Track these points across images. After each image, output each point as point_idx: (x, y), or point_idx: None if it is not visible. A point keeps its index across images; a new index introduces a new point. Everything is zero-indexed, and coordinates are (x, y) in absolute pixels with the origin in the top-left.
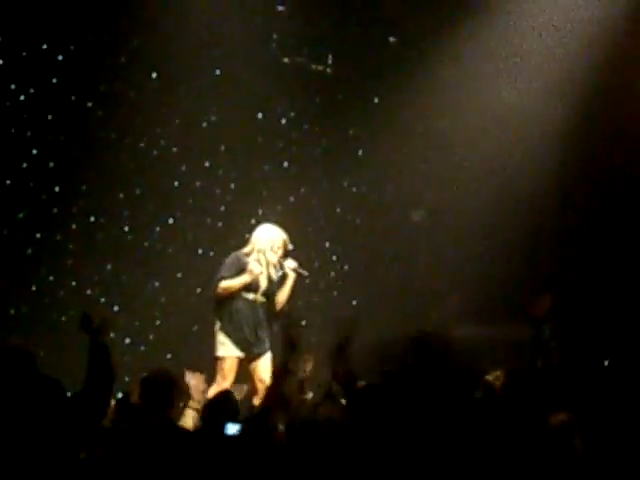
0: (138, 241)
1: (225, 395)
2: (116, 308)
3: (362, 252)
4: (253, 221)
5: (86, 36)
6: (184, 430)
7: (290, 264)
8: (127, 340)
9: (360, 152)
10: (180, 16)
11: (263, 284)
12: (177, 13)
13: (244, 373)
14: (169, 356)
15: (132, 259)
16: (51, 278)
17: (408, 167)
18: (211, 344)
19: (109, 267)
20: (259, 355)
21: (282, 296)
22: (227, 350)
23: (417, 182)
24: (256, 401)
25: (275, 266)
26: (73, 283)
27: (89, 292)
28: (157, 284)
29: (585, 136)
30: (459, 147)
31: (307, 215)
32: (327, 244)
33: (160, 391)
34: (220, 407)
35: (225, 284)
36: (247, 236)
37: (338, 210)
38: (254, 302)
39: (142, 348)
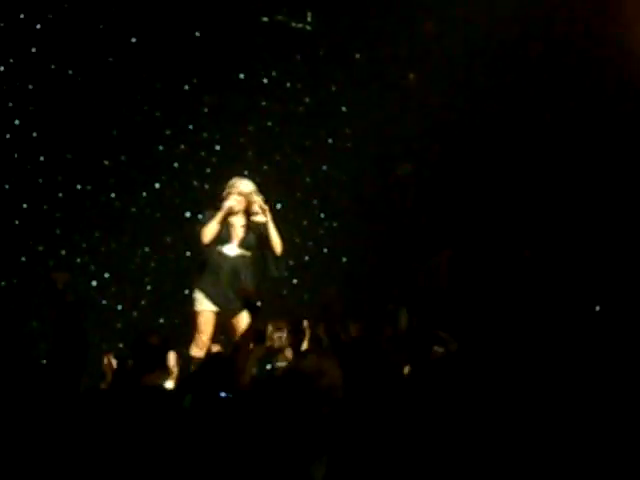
0: (125, 207)
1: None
2: (106, 275)
3: (350, 208)
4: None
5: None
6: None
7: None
8: (119, 306)
9: (343, 108)
10: None
11: (239, 233)
12: None
13: (223, 329)
14: (161, 320)
15: (120, 225)
16: (40, 248)
17: (391, 121)
18: None
19: (97, 235)
20: (236, 311)
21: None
22: (201, 304)
23: (402, 136)
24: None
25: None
26: (62, 252)
27: (78, 260)
28: (146, 249)
29: None
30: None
31: (293, 173)
32: (315, 202)
33: (152, 353)
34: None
35: (205, 228)
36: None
37: (324, 167)
38: (232, 257)
39: (134, 314)
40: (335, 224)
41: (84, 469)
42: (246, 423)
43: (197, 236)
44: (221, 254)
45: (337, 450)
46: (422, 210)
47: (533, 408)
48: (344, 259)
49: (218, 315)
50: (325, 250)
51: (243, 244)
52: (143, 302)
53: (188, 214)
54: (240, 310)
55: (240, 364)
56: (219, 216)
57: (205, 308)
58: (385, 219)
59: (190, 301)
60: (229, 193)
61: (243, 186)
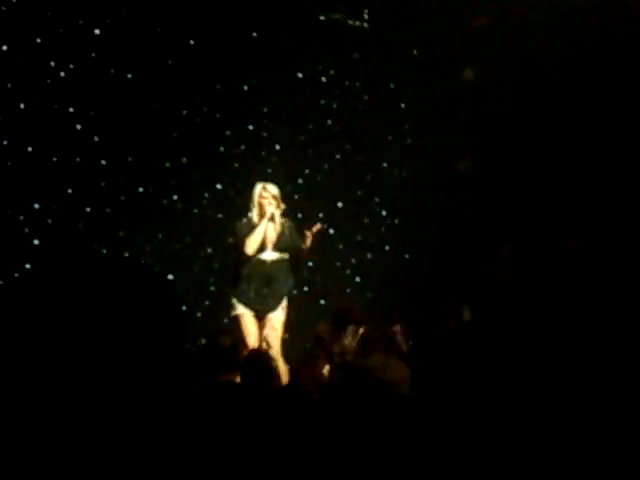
0: (187, 209)
1: (256, 354)
2: (170, 277)
3: (411, 205)
4: (300, 181)
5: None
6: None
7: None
8: (183, 308)
9: (403, 105)
10: None
11: (272, 236)
12: None
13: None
14: (226, 321)
15: (183, 227)
16: (104, 251)
17: (451, 117)
18: None
19: (160, 236)
20: (264, 313)
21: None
22: (237, 309)
23: (461, 132)
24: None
25: (276, 218)
26: (126, 255)
27: (142, 262)
28: (210, 250)
29: None
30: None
31: (354, 172)
32: (376, 199)
33: (225, 353)
34: (254, 367)
35: (248, 239)
36: (296, 197)
37: (384, 165)
38: (266, 261)
39: (198, 315)
40: (397, 221)
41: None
42: (314, 422)
43: (238, 247)
44: (259, 260)
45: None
46: (481, 205)
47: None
48: (407, 256)
49: (257, 317)
50: (387, 247)
51: (278, 248)
52: (207, 303)
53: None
54: (274, 308)
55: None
56: (264, 225)
57: (241, 312)
58: (446, 215)
59: (229, 307)
60: (263, 198)
61: (273, 190)
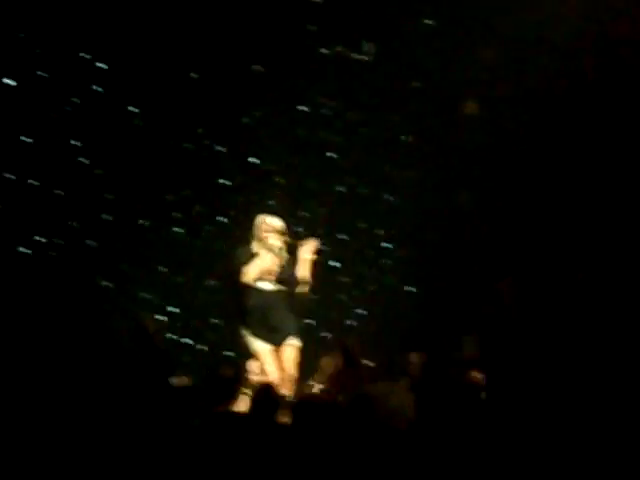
0: (190, 241)
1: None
2: (173, 309)
3: (414, 237)
4: (304, 214)
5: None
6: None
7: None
8: (187, 340)
9: (404, 137)
10: None
11: (275, 269)
12: None
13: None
14: (229, 354)
15: (186, 260)
16: (107, 284)
17: (455, 150)
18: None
19: (163, 268)
20: (280, 344)
21: (303, 280)
22: (255, 344)
23: (464, 164)
24: (283, 391)
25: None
26: (129, 288)
27: (146, 295)
28: (213, 282)
29: None
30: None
31: (357, 204)
32: (379, 232)
33: (226, 387)
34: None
35: (249, 267)
36: (298, 230)
37: (387, 197)
38: (268, 292)
39: (201, 348)
40: (400, 253)
41: None
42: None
43: (235, 274)
44: (259, 291)
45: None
46: (484, 237)
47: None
48: (410, 288)
49: (274, 350)
50: (390, 280)
51: (279, 280)
52: (210, 335)
53: None
54: (285, 340)
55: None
56: (265, 256)
57: (261, 346)
58: (449, 247)
59: (244, 343)
60: (266, 231)
61: (277, 223)
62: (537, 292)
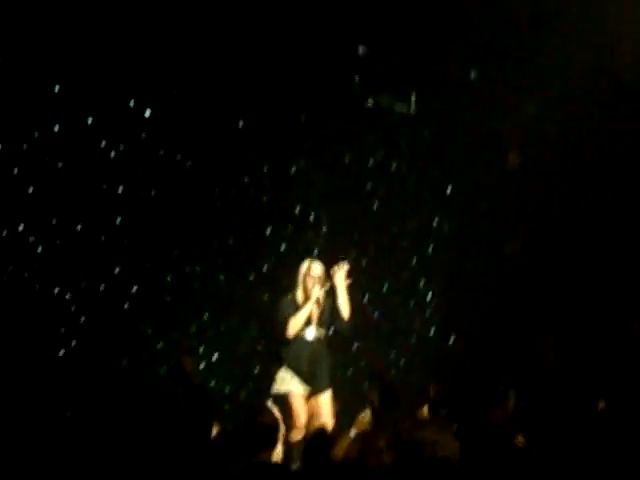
0: (233, 289)
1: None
2: (215, 357)
3: (456, 290)
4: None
5: (164, 91)
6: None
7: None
8: (227, 388)
9: (449, 190)
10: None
11: (315, 313)
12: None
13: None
14: (269, 403)
15: (229, 307)
16: (149, 331)
17: (497, 202)
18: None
19: (206, 316)
20: (316, 392)
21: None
22: (287, 388)
23: (506, 217)
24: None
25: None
26: (171, 334)
27: (187, 342)
28: (254, 332)
29: None
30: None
31: (400, 256)
32: (421, 283)
33: (265, 431)
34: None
35: (293, 319)
36: None
37: (430, 249)
38: (310, 340)
39: (242, 396)
40: (442, 306)
41: None
42: None
43: (280, 327)
44: (302, 338)
45: None
46: (528, 291)
47: None
48: (451, 341)
49: (306, 397)
50: (432, 332)
51: (320, 325)
52: (250, 384)
53: None
54: (324, 388)
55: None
56: (308, 307)
57: (293, 391)
58: (492, 300)
59: (275, 385)
60: (308, 278)
61: (318, 270)
62: (579, 351)
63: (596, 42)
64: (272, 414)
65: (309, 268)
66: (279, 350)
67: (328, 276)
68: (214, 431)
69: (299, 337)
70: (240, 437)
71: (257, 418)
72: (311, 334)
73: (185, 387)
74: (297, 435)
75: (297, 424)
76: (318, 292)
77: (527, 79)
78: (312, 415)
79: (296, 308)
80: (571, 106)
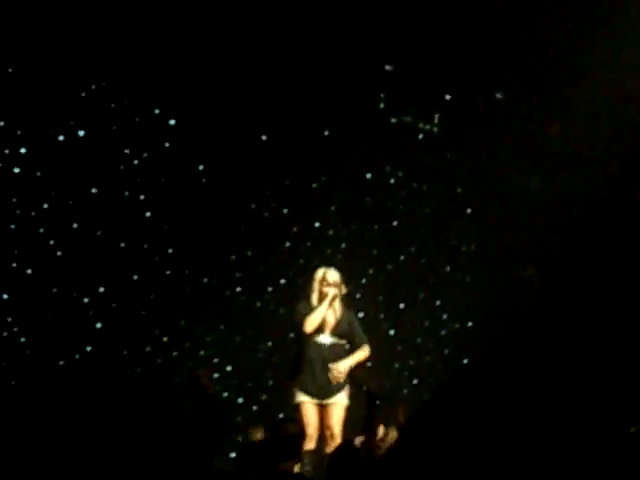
0: (250, 302)
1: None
2: (229, 368)
3: (472, 310)
4: (364, 281)
5: (193, 103)
6: None
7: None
8: (240, 400)
9: (469, 210)
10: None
11: (331, 321)
12: None
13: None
14: (281, 415)
15: (245, 319)
16: (165, 339)
17: (516, 224)
18: None
19: (222, 327)
20: (326, 400)
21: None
22: (298, 397)
23: (525, 239)
24: (327, 449)
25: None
26: (186, 344)
27: (202, 353)
28: (269, 344)
29: None
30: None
31: (417, 274)
32: (437, 302)
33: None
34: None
35: (309, 317)
36: (358, 296)
37: (447, 268)
38: (323, 345)
39: (254, 408)
40: (457, 325)
41: None
42: None
43: (298, 325)
44: (316, 343)
45: None
46: (543, 312)
47: None
48: (465, 361)
49: (318, 406)
50: (446, 351)
51: (336, 332)
52: (264, 397)
53: None
54: (335, 393)
55: None
56: (324, 307)
57: (303, 400)
58: (507, 321)
59: (290, 396)
60: (323, 285)
61: (333, 277)
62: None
63: (625, 64)
64: (297, 425)
65: (325, 274)
66: (295, 355)
67: (343, 284)
68: (258, 436)
69: (313, 342)
70: (264, 447)
71: (282, 428)
72: (325, 340)
73: (200, 398)
74: (308, 444)
75: (308, 433)
76: (332, 292)
77: (552, 100)
78: (323, 424)
79: (311, 310)
80: (597, 127)
